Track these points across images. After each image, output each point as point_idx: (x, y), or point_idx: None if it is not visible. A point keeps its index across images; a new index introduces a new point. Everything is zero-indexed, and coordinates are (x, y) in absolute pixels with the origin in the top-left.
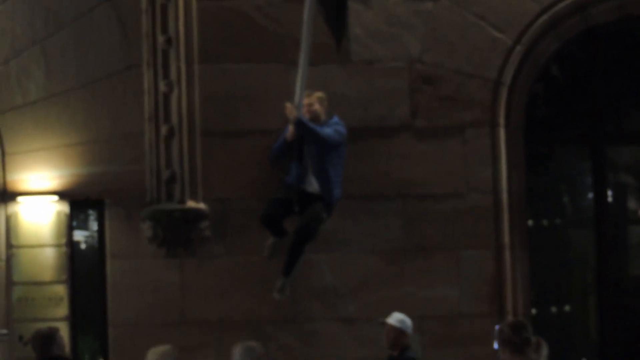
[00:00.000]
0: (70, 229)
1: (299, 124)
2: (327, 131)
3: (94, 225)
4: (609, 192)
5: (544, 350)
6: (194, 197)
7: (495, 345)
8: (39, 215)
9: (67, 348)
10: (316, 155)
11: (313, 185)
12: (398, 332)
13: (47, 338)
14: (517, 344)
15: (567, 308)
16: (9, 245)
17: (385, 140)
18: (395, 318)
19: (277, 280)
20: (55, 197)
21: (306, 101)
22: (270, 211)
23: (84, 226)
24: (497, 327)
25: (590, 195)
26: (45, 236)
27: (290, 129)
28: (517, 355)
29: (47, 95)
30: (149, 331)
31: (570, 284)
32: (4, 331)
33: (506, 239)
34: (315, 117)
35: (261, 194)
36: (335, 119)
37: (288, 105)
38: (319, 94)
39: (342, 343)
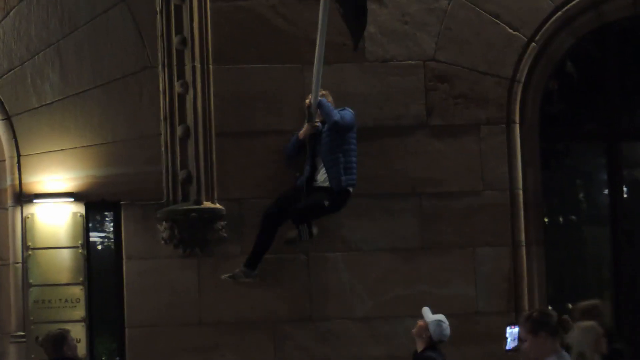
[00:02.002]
0: (86, 230)
1: (320, 105)
2: (337, 114)
3: (110, 227)
4: (624, 188)
5: (574, 331)
6: (210, 198)
7: (507, 346)
8: (55, 217)
9: (84, 350)
10: (328, 143)
11: (322, 177)
12: (422, 329)
13: (58, 339)
14: (553, 326)
15: None
16: (25, 247)
17: (401, 139)
18: (431, 315)
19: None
20: (71, 199)
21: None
22: (272, 210)
23: (100, 228)
24: (508, 327)
25: (606, 191)
26: (62, 238)
27: (305, 127)
28: (551, 338)
29: (62, 97)
30: (165, 332)
31: (586, 280)
32: (21, 333)
33: (522, 236)
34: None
35: (277, 194)
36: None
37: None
38: (322, 91)
39: (358, 341)
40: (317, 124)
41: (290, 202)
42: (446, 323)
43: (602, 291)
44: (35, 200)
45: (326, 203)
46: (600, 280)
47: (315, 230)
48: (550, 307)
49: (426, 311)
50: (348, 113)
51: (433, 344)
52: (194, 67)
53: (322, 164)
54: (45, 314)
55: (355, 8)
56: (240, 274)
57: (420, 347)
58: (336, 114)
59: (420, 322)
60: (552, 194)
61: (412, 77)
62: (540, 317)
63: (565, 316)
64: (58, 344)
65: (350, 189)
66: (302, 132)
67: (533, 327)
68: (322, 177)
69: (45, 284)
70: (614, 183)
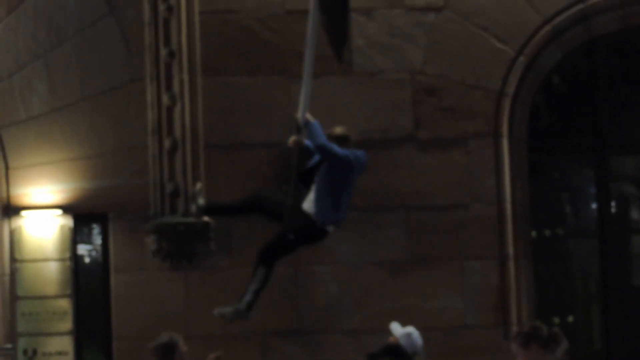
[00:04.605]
0: (74, 243)
1: (307, 125)
2: (324, 138)
3: (97, 239)
4: (612, 202)
5: (564, 345)
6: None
7: None
8: (43, 230)
9: None
10: (325, 174)
11: (309, 203)
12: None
13: (169, 347)
14: (544, 340)
15: (570, 318)
16: (13, 260)
17: (389, 152)
18: (400, 329)
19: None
20: (59, 211)
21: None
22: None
23: (87, 240)
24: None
25: (594, 205)
26: (49, 250)
27: (292, 139)
28: (542, 350)
29: (50, 109)
30: None
31: (574, 294)
32: (9, 345)
33: (510, 249)
34: None
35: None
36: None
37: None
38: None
39: (346, 354)
40: (302, 139)
41: (275, 203)
42: (416, 334)
43: (590, 305)
44: (23, 213)
45: (291, 236)
46: (588, 293)
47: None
48: (538, 321)
49: (395, 326)
50: (349, 153)
51: (408, 358)
52: (182, 80)
53: (314, 192)
54: (33, 326)
55: (338, 19)
56: (196, 207)
57: None
58: (322, 138)
59: (390, 338)
60: (540, 207)
61: (400, 89)
62: (530, 330)
63: (556, 329)
64: (169, 352)
65: (330, 229)
66: (290, 140)
67: (524, 340)
68: (309, 203)
69: (33, 297)
70: (602, 196)
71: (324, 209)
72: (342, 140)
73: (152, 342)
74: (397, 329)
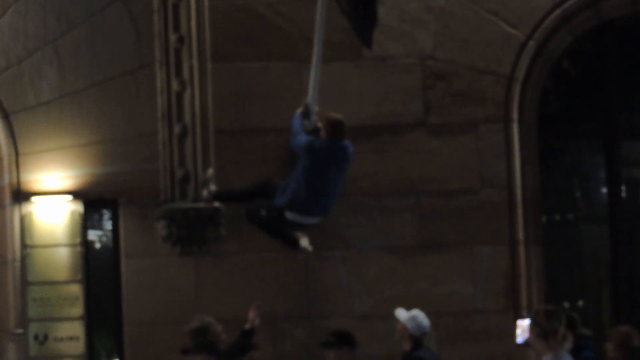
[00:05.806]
0: (84, 228)
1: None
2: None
3: (108, 225)
4: (623, 187)
5: (567, 344)
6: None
7: (518, 340)
8: (53, 215)
9: (83, 348)
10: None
11: None
12: (402, 330)
13: (201, 329)
14: (544, 330)
15: (580, 303)
16: (24, 245)
17: (399, 137)
18: (404, 314)
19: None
20: (69, 197)
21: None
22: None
23: (98, 226)
24: (519, 320)
25: (604, 189)
26: (60, 236)
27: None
28: (540, 340)
29: (60, 95)
30: (164, 329)
31: (584, 279)
32: (20, 330)
33: (520, 234)
34: None
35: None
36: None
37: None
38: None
39: (357, 340)
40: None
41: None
42: (421, 316)
43: (601, 290)
44: (33, 199)
45: (263, 212)
46: (598, 278)
47: (304, 242)
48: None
49: (399, 312)
50: (309, 142)
51: (417, 340)
52: (191, 66)
53: None
54: (44, 311)
55: (362, 4)
56: (207, 192)
57: (407, 347)
58: (295, 128)
59: (398, 325)
60: (551, 192)
61: (410, 75)
62: (541, 316)
63: (567, 331)
64: (202, 334)
65: (290, 215)
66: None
67: (533, 320)
68: None
69: (44, 282)
70: (613, 181)
71: (281, 194)
72: (330, 126)
73: (186, 327)
74: (402, 314)
